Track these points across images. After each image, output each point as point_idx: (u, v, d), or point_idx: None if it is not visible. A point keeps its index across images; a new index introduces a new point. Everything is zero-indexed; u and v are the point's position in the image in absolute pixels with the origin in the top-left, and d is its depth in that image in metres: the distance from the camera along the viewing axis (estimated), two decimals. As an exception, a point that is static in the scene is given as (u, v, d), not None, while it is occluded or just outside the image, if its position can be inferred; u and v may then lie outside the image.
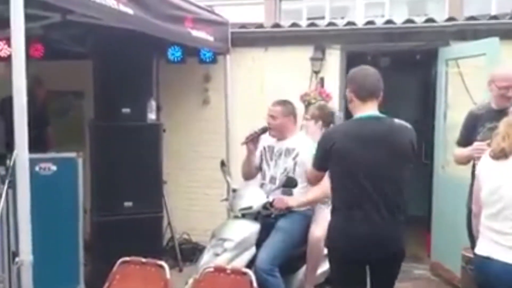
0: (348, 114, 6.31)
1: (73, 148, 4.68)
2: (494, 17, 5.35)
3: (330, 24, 5.96)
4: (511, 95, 3.53)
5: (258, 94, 5.72)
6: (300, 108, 4.85)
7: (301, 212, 3.84)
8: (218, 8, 5.59)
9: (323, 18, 7.34)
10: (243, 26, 6.01)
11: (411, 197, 7.77)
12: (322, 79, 5.74)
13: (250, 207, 3.76)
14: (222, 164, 4.36)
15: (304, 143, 3.89)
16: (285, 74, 5.68)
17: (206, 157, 6.01)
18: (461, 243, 4.15)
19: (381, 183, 2.75)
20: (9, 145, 4.31)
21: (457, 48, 5.30)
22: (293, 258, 3.79)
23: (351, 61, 6.11)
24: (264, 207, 3.74)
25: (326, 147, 2.86)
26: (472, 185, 3.26)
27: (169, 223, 5.69)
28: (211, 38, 5.04)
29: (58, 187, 4.32)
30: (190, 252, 5.76)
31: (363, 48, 6.03)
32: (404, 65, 7.09)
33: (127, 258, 3.18)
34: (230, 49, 5.57)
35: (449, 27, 5.37)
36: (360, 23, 5.75)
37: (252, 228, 3.72)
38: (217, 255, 3.57)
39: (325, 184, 3.15)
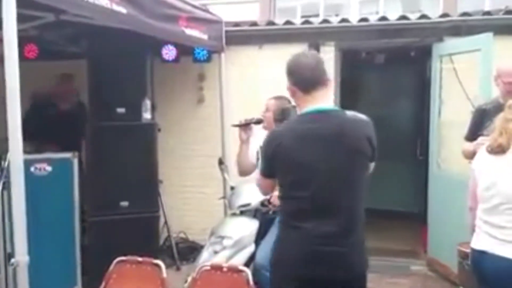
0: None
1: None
2: (488, 13, 5.36)
3: (324, 21, 5.95)
4: None
5: (252, 92, 5.72)
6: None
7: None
8: (212, 7, 5.59)
9: (317, 15, 7.33)
10: (237, 24, 6.01)
11: (407, 193, 7.86)
12: (317, 77, 5.74)
13: (249, 204, 3.77)
14: (220, 162, 4.36)
15: None
16: (279, 72, 5.65)
17: (201, 156, 6.01)
18: (458, 239, 4.16)
19: (334, 189, 2.34)
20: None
21: (451, 44, 5.31)
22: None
23: (345, 58, 6.12)
24: (262, 204, 3.74)
25: (269, 151, 2.45)
26: None
27: (165, 222, 5.69)
28: (205, 37, 5.04)
29: (53, 187, 4.31)
30: (187, 251, 5.77)
31: (357, 45, 6.04)
32: (398, 62, 7.11)
33: (123, 258, 3.18)
34: (225, 48, 5.57)
35: (443, 23, 5.38)
36: (354, 20, 5.75)
37: (251, 225, 3.73)
38: (216, 252, 3.58)
39: None
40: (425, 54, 5.84)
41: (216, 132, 5.73)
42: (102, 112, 4.75)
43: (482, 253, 2.60)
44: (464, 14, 5.41)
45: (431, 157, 5.52)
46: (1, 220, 3.84)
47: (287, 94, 2.63)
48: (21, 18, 2.72)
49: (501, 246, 2.52)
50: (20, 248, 2.62)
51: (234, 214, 3.90)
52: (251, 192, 3.85)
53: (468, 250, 3.05)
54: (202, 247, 4.19)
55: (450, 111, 5.33)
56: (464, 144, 3.82)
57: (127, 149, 4.73)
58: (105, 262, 3.22)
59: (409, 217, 6.92)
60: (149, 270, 3.11)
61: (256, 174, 4.04)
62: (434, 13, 5.56)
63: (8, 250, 3.79)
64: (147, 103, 4.86)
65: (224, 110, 5.68)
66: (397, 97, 7.84)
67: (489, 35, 4.64)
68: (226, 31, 5.56)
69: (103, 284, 3.13)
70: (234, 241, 3.59)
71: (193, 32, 4.76)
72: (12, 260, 2.63)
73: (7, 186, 3.56)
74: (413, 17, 5.57)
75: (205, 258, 3.55)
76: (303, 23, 5.95)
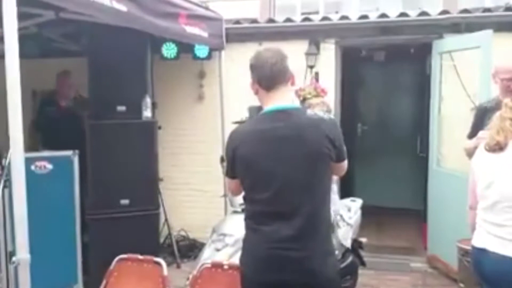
0: (345, 111, 6.35)
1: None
2: (488, 10, 5.36)
3: (324, 18, 5.95)
4: None
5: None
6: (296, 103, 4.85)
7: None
8: (212, 4, 5.58)
9: (317, 13, 7.31)
10: (237, 21, 6.01)
11: (407, 190, 7.84)
12: (317, 74, 5.74)
13: None
14: (222, 160, 4.35)
15: None
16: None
17: (201, 154, 6.02)
18: (458, 236, 4.17)
19: (292, 193, 2.25)
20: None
21: (451, 41, 5.30)
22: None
23: (346, 55, 6.12)
24: None
25: (229, 153, 2.39)
26: None
27: (166, 220, 5.70)
28: (205, 34, 5.03)
29: (54, 185, 4.32)
30: (188, 249, 5.78)
31: (357, 42, 6.04)
32: (398, 59, 7.12)
33: (124, 256, 3.18)
34: (225, 45, 5.56)
35: (443, 20, 5.38)
36: (354, 17, 5.75)
37: None
38: (218, 250, 3.59)
39: None
40: (425, 51, 5.84)
41: (216, 130, 5.73)
42: (103, 110, 4.75)
43: (482, 250, 2.60)
44: (464, 11, 5.41)
45: (431, 154, 5.52)
46: (2, 218, 3.85)
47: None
48: (21, 16, 2.71)
49: (500, 244, 2.52)
50: (22, 246, 2.62)
51: (235, 212, 3.90)
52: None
53: (468, 247, 3.06)
54: (202, 245, 4.20)
55: (450, 108, 5.34)
56: (466, 143, 3.82)
57: (127, 147, 4.73)
58: (106, 260, 3.23)
59: (410, 214, 6.93)
60: (150, 268, 3.12)
61: None
62: (434, 10, 5.56)
63: (9, 248, 3.79)
64: (147, 100, 4.86)
65: (224, 107, 5.68)
66: (397, 94, 7.85)
67: (489, 32, 4.63)
68: (226, 29, 5.56)
69: (104, 282, 3.14)
70: (236, 238, 3.59)
71: (193, 29, 4.75)
72: (14, 259, 2.63)
73: (8, 184, 3.56)
74: (413, 14, 5.56)
75: (207, 256, 3.55)
76: (303, 20, 5.95)
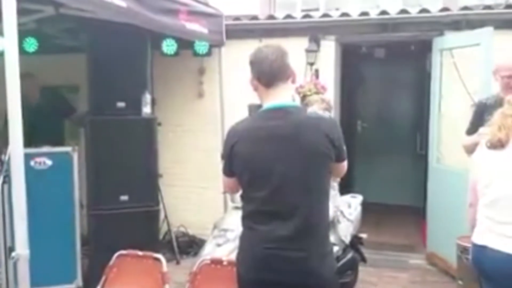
0: (345, 108, 6.34)
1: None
2: (488, 7, 5.35)
3: (324, 15, 5.94)
4: None
5: (253, 86, 5.70)
6: (296, 100, 4.85)
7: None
8: (212, 0, 5.56)
9: (317, 9, 7.30)
10: (237, 18, 6.00)
11: (407, 187, 7.85)
12: (317, 71, 5.73)
13: None
14: (222, 157, 4.34)
15: None
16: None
17: (201, 150, 6.02)
18: (457, 233, 4.17)
19: (290, 192, 2.22)
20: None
21: (451, 38, 5.30)
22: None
23: (346, 52, 6.12)
24: None
25: (227, 150, 2.38)
26: None
27: (165, 216, 5.70)
28: (205, 31, 5.02)
29: (53, 181, 4.32)
30: (187, 245, 5.79)
31: (357, 39, 6.03)
32: (399, 56, 7.11)
33: (124, 252, 3.19)
34: (225, 41, 5.55)
35: (443, 17, 5.37)
36: (354, 14, 5.73)
37: None
38: (219, 245, 3.59)
39: None
40: (425, 48, 5.84)
41: (216, 126, 5.72)
42: (102, 106, 4.74)
43: (483, 247, 2.60)
44: (465, 8, 5.39)
45: (430, 151, 5.52)
46: (1, 214, 3.85)
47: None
48: (21, 12, 2.71)
49: (501, 241, 2.52)
50: (21, 242, 2.63)
51: (236, 208, 3.90)
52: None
53: (467, 244, 3.06)
54: (202, 241, 4.20)
55: (450, 106, 5.33)
56: (465, 139, 3.82)
57: (127, 143, 4.72)
58: (105, 256, 3.24)
59: (409, 211, 6.94)
60: (150, 264, 3.13)
61: None
62: (435, 7, 5.55)
63: (9, 244, 3.80)
64: (147, 97, 4.85)
65: (224, 104, 5.67)
66: (397, 91, 7.84)
67: (489, 30, 4.63)
68: (226, 25, 5.54)
69: (104, 277, 3.15)
70: (237, 234, 3.58)
71: (193, 26, 4.74)
72: (13, 254, 2.63)
73: (7, 180, 3.56)
74: (414, 11, 5.55)
75: (208, 251, 3.56)
76: (304, 17, 5.94)
